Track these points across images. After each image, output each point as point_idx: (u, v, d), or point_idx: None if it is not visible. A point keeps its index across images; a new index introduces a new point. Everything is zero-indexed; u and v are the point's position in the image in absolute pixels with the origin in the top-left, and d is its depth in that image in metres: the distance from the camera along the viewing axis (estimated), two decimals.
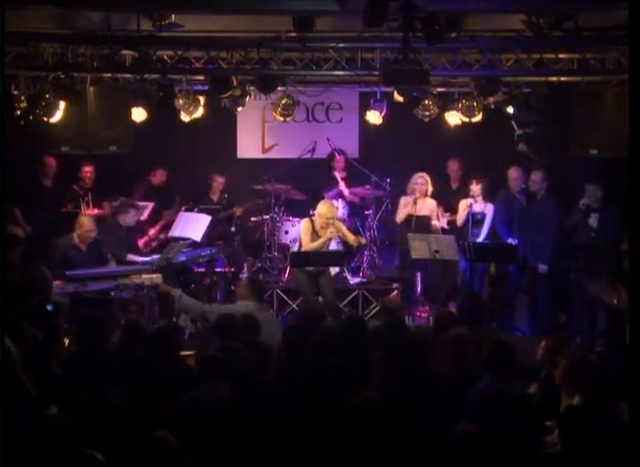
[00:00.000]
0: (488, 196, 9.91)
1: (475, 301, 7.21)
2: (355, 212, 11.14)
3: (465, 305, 7.11)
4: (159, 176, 11.15)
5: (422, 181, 9.99)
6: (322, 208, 9.54)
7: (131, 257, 9.46)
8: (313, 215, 9.76)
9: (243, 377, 5.28)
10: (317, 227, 9.55)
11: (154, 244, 10.45)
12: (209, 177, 11.14)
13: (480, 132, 10.64)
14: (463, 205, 9.93)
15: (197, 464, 4.23)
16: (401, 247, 10.26)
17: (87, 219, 9.07)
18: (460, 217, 9.96)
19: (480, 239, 9.80)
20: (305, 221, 9.70)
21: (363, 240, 10.27)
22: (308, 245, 9.54)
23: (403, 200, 10.13)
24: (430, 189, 10.07)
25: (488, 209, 9.84)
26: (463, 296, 7.64)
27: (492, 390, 5.19)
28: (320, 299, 9.44)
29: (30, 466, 4.08)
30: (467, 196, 9.86)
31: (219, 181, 11.12)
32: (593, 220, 9.11)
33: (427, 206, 10.05)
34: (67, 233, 9.00)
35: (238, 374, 5.34)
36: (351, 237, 9.81)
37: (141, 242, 10.37)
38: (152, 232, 10.68)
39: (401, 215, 10.08)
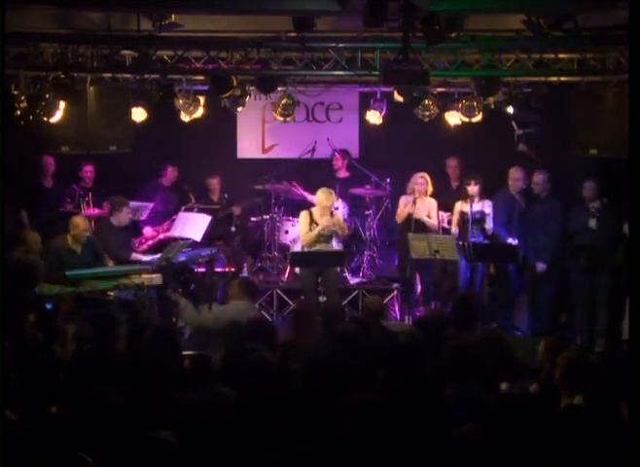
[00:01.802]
0: (485, 194, 9.90)
1: (468, 302, 7.20)
2: (355, 212, 11.14)
3: (458, 306, 7.10)
4: (169, 174, 11.12)
5: (422, 181, 9.99)
6: (320, 196, 9.58)
7: (135, 256, 9.46)
8: (312, 206, 9.79)
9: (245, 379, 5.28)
10: (316, 216, 9.55)
11: (163, 235, 10.38)
12: (204, 180, 11.15)
13: (480, 132, 10.63)
14: (456, 210, 9.93)
15: (197, 465, 4.23)
16: (401, 247, 10.26)
17: (80, 219, 9.05)
18: (454, 225, 9.95)
19: (489, 230, 9.78)
20: (304, 212, 9.72)
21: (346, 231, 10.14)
22: (305, 236, 9.55)
23: (403, 200, 10.13)
24: (430, 188, 10.06)
25: (487, 205, 9.82)
26: (457, 297, 7.63)
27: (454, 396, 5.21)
28: (322, 298, 9.44)
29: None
30: (466, 196, 9.83)
31: (213, 183, 11.15)
32: (593, 220, 9.12)
33: (426, 206, 10.04)
34: (61, 235, 8.99)
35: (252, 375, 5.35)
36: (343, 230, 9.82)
37: (149, 235, 10.34)
38: (163, 226, 10.61)
39: (401, 215, 10.07)
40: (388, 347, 6.19)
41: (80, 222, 8.93)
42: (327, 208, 9.52)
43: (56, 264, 8.58)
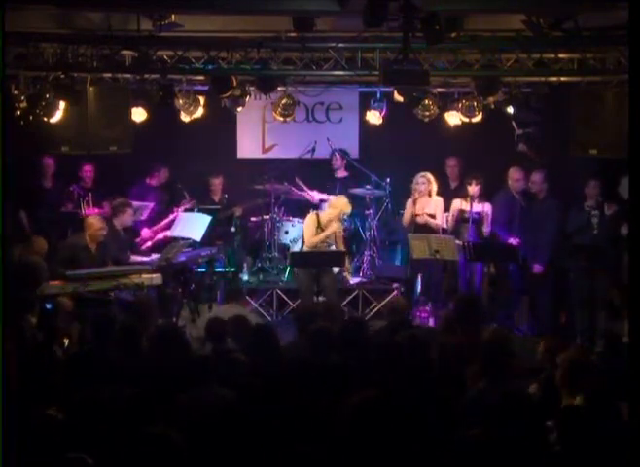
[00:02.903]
0: (485, 195, 9.89)
1: (471, 302, 7.20)
2: (355, 212, 11.13)
3: (461, 306, 7.10)
4: (162, 175, 11.09)
5: (423, 180, 9.94)
6: (341, 201, 9.55)
7: (135, 258, 9.45)
8: (318, 209, 9.76)
9: (241, 377, 5.28)
10: (323, 221, 9.53)
11: (161, 236, 10.43)
12: (206, 180, 11.16)
13: (481, 132, 10.63)
14: (454, 207, 9.90)
15: (198, 464, 4.23)
16: (406, 247, 10.22)
17: (94, 218, 9.06)
18: (450, 222, 9.92)
19: (486, 233, 9.76)
20: (310, 215, 9.67)
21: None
22: (311, 239, 9.52)
23: (408, 203, 10.09)
24: (434, 187, 10.00)
25: (487, 208, 9.81)
26: (458, 298, 7.64)
27: (492, 392, 5.21)
28: (321, 298, 9.43)
29: None
30: (466, 196, 9.82)
31: (215, 183, 11.15)
32: (595, 219, 9.12)
33: (431, 205, 9.97)
34: (75, 234, 9.00)
35: (236, 374, 5.35)
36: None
37: (146, 237, 10.37)
38: (160, 226, 10.62)
39: (406, 218, 10.03)
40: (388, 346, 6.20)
41: (94, 221, 8.95)
42: (341, 215, 9.51)
43: (69, 261, 8.58)
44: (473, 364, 5.77)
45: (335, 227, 9.54)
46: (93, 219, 9.04)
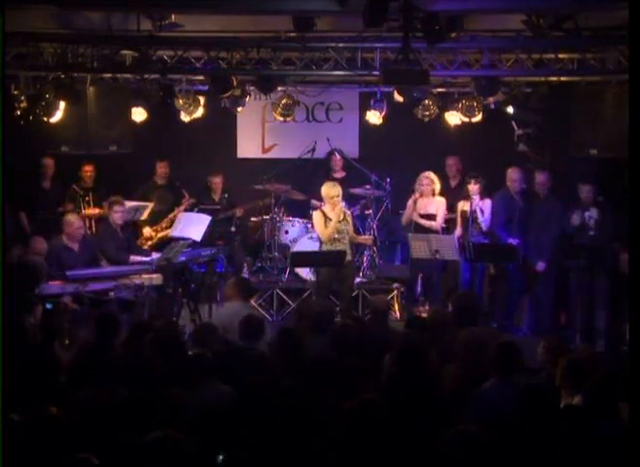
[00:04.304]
0: (485, 193, 9.87)
1: (469, 302, 7.20)
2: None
3: (458, 306, 7.11)
4: (160, 170, 10.99)
5: (427, 181, 9.88)
6: (325, 189, 9.50)
7: (134, 258, 9.42)
8: (321, 206, 9.77)
9: (243, 377, 5.29)
10: (328, 212, 9.50)
11: (162, 234, 10.43)
12: (206, 179, 11.15)
13: (480, 132, 10.63)
14: (460, 208, 9.89)
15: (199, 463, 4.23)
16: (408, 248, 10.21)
17: (72, 217, 8.99)
18: (458, 222, 9.90)
19: (484, 228, 9.76)
20: (316, 212, 9.61)
21: (368, 240, 10.19)
22: (324, 232, 9.43)
23: (408, 203, 10.07)
24: (437, 187, 9.97)
25: (486, 204, 9.78)
26: (457, 297, 7.63)
27: (501, 391, 5.22)
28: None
29: None
30: (467, 195, 9.81)
31: (215, 181, 11.12)
32: (592, 220, 9.13)
33: (433, 205, 9.93)
34: (57, 235, 8.98)
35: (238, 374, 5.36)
36: (359, 238, 9.88)
37: (147, 235, 10.38)
38: (160, 225, 10.63)
39: (406, 216, 10.02)
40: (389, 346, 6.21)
41: (73, 219, 8.88)
42: (334, 200, 9.46)
43: (56, 263, 8.57)
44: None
45: (336, 210, 9.48)
46: (71, 217, 8.96)
